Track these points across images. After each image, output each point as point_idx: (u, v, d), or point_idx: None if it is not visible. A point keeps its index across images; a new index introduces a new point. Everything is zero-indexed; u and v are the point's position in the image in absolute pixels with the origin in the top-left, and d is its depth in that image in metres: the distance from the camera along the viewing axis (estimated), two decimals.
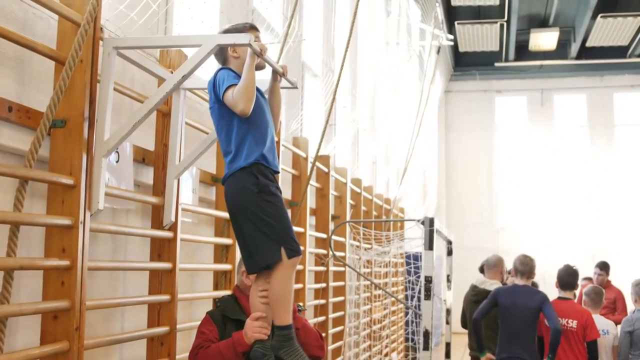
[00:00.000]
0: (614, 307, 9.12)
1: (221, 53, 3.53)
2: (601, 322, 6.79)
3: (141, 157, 4.01)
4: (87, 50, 3.14)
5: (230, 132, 3.37)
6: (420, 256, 6.94)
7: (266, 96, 3.79)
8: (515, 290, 6.55)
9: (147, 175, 4.12)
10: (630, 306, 7.51)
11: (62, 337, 3.02)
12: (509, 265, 7.76)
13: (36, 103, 3.16)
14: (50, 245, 3.10)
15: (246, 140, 3.34)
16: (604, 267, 9.59)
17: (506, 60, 20.65)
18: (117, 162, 3.67)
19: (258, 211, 3.28)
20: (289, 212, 6.49)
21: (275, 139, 3.56)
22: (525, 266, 6.58)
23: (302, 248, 3.44)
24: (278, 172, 3.51)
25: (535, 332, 6.42)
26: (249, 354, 3.42)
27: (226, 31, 3.57)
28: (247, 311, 3.64)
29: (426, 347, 6.31)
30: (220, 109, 3.39)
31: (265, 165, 3.36)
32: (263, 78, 3.64)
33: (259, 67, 3.48)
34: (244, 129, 3.36)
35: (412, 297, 9.63)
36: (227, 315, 3.68)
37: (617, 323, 7.24)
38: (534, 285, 9.14)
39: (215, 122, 3.45)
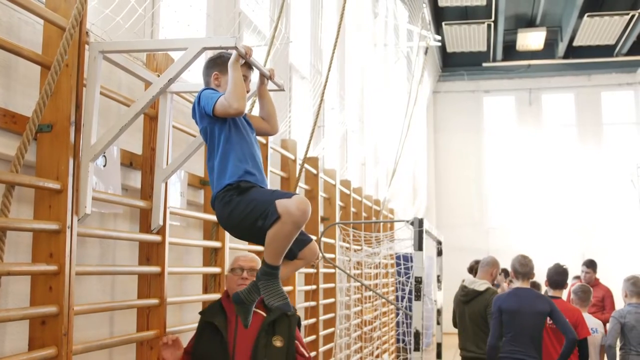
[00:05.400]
0: (603, 305, 9.15)
1: (207, 76, 3.55)
2: (590, 321, 6.80)
3: (129, 161, 4.00)
4: (73, 54, 3.13)
5: (217, 151, 3.38)
6: (411, 257, 6.95)
7: (255, 99, 3.80)
8: (518, 294, 6.23)
9: (135, 179, 4.11)
10: (619, 304, 7.55)
11: (51, 342, 3.01)
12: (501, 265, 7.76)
13: (22, 108, 3.15)
14: (38, 250, 3.08)
15: (229, 158, 3.34)
16: (590, 265, 9.61)
17: (494, 60, 20.72)
18: (104, 166, 3.67)
19: (240, 206, 3.27)
20: None
21: (261, 158, 3.55)
22: (525, 267, 6.28)
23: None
24: None
25: (542, 336, 6.27)
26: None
27: (213, 58, 3.57)
28: (228, 313, 3.80)
29: (417, 348, 6.32)
30: (211, 129, 3.39)
31: (251, 182, 3.34)
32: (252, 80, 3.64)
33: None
34: (227, 148, 3.35)
35: (403, 298, 9.63)
36: (205, 319, 3.84)
37: (605, 322, 7.27)
38: (536, 285, 9.12)
39: (207, 144, 3.45)
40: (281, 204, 3.16)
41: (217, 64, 3.48)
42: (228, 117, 3.33)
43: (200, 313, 4.03)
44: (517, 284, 6.39)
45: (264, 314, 3.89)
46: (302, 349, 3.99)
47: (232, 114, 3.28)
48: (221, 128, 3.37)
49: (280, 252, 3.28)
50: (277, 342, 3.86)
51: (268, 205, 3.18)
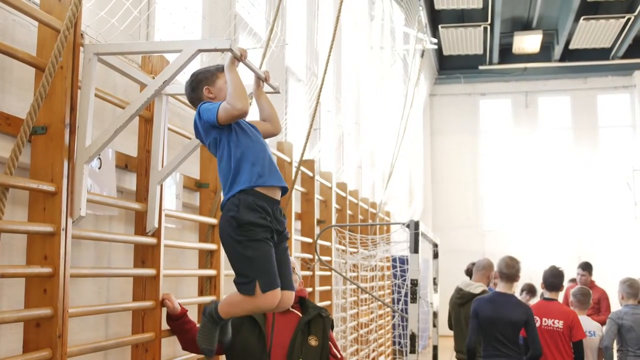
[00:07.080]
0: (599, 307, 9.16)
1: (196, 95, 3.54)
2: (588, 324, 6.82)
3: (124, 163, 3.99)
4: (68, 56, 3.12)
5: (228, 157, 3.38)
6: (407, 259, 6.94)
7: (252, 102, 3.80)
8: (495, 301, 6.16)
9: (130, 182, 4.10)
10: (615, 306, 7.55)
11: (45, 345, 3.00)
12: None
13: (16, 110, 3.15)
14: (32, 252, 3.07)
15: (241, 163, 3.36)
16: (586, 267, 9.64)
17: (490, 63, 20.75)
18: (99, 168, 3.66)
19: (235, 245, 3.34)
20: None
21: (274, 158, 3.59)
22: (512, 269, 6.18)
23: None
24: (286, 188, 3.51)
25: (519, 339, 6.16)
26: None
27: (193, 78, 3.58)
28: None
29: (413, 351, 6.31)
30: (219, 139, 3.40)
31: (259, 191, 3.35)
32: (247, 83, 3.63)
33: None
34: (237, 153, 3.37)
35: (399, 300, 9.64)
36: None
37: (602, 323, 7.28)
38: (533, 289, 9.11)
39: (218, 155, 3.45)
40: (259, 292, 3.29)
41: (201, 79, 3.51)
42: (233, 120, 3.33)
43: None
44: (500, 287, 6.31)
45: (300, 314, 4.06)
46: (334, 350, 4.12)
47: (236, 115, 3.29)
48: (229, 136, 3.38)
49: (234, 315, 3.53)
50: (312, 341, 4.00)
51: (253, 275, 3.29)
